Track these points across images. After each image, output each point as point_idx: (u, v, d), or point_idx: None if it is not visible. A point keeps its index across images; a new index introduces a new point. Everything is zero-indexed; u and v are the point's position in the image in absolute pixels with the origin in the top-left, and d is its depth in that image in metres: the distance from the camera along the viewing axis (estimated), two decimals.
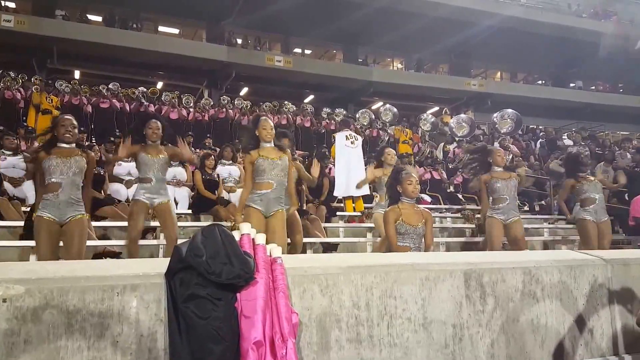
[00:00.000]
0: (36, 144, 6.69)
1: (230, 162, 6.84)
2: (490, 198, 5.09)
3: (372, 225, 5.93)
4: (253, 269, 1.89)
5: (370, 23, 17.04)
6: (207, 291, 1.77)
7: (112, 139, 7.52)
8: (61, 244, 3.69)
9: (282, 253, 2.16)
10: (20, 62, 13.87)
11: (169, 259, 1.87)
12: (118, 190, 6.12)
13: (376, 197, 5.75)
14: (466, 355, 2.30)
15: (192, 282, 1.78)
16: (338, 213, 7.08)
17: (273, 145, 4.11)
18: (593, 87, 23.03)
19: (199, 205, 6.15)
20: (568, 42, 18.75)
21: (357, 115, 12.71)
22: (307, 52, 20.88)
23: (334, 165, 7.62)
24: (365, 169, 7.28)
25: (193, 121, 10.94)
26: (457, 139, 11.66)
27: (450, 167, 10.50)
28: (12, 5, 15.97)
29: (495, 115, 11.23)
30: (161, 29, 18.18)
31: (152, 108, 10.69)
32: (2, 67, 11.24)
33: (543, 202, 9.60)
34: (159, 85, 16.00)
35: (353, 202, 7.27)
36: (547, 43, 18.65)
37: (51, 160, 3.64)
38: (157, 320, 1.77)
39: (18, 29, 13.09)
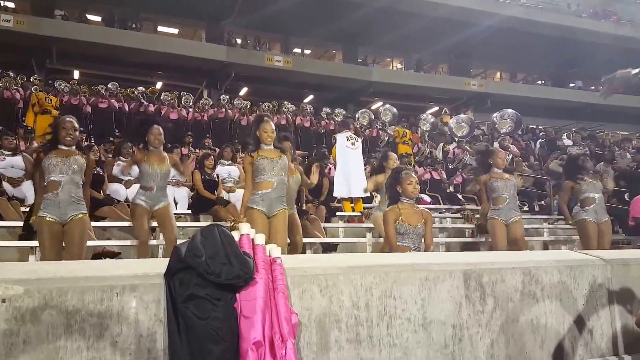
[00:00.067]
0: (35, 144, 6.69)
1: (230, 162, 6.83)
2: (491, 198, 5.11)
3: (371, 225, 5.93)
4: (252, 269, 1.88)
5: (370, 23, 17.04)
6: (207, 291, 1.77)
7: (111, 139, 7.51)
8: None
9: (282, 253, 2.15)
10: (20, 62, 13.89)
11: (168, 259, 1.87)
12: (117, 191, 6.10)
13: (376, 197, 5.76)
14: (466, 355, 2.30)
15: (191, 283, 1.78)
16: (338, 213, 7.07)
17: (273, 147, 4.12)
18: (593, 87, 22.99)
19: (199, 205, 6.14)
20: (568, 42, 18.76)
21: (357, 115, 12.70)
22: (307, 52, 20.88)
23: (334, 166, 7.63)
24: (365, 169, 7.30)
25: (192, 121, 10.96)
26: (456, 139, 11.65)
27: (450, 167, 10.50)
28: (11, 5, 15.96)
29: (495, 115, 11.22)
30: (160, 29, 18.19)
31: (151, 108, 10.70)
32: (1, 67, 11.25)
33: (543, 202, 9.59)
34: (159, 85, 16.00)
35: (352, 203, 7.28)
36: (547, 43, 18.66)
37: (50, 160, 3.65)
38: (156, 321, 1.77)
39: (17, 29, 13.09)
